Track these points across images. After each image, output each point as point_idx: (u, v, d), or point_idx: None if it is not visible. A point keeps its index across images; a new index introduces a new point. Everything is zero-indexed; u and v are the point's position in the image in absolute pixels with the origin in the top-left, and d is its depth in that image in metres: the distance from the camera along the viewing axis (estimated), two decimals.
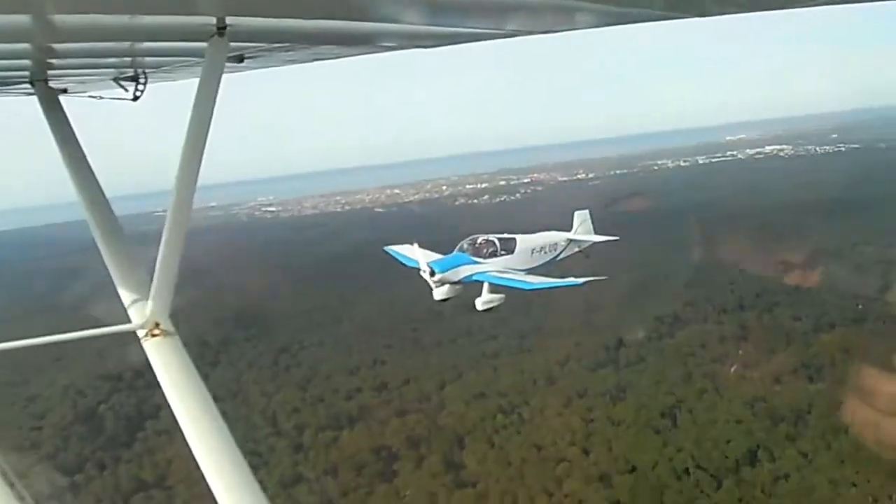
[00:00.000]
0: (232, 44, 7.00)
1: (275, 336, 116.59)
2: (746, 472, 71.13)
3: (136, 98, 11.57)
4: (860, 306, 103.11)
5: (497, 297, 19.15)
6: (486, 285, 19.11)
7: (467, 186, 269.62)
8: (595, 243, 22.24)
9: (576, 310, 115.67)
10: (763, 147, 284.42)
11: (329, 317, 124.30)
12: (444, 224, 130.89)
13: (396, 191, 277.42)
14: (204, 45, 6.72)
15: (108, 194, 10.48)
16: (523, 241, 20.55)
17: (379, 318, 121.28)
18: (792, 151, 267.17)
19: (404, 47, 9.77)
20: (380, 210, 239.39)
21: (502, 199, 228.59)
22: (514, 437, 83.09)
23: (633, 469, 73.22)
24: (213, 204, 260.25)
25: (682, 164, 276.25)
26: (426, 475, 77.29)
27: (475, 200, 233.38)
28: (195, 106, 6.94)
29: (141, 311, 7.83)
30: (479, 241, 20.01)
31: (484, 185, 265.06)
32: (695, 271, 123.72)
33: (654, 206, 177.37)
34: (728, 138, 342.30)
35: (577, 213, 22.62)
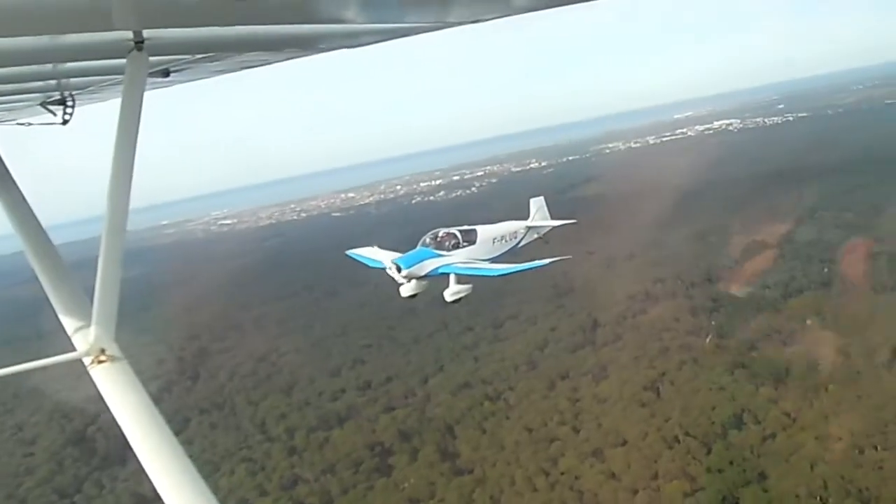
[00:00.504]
0: (153, 58, 6.99)
1: (251, 346, 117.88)
2: (734, 435, 73.93)
3: (65, 122, 11.23)
4: (826, 269, 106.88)
5: (465, 288, 19.55)
6: (452, 277, 19.55)
7: (422, 184, 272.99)
8: (554, 228, 23.08)
9: (547, 296, 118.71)
10: (712, 123, 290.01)
11: (301, 323, 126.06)
12: (402, 223, 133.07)
13: (351, 194, 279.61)
14: (124, 61, 6.60)
15: (46, 222, 9.91)
16: (484, 231, 21.18)
17: (352, 320, 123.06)
18: (741, 125, 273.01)
19: (335, 48, 9.60)
20: (337, 215, 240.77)
21: (458, 193, 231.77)
22: (503, 422, 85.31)
23: (625, 442, 75.66)
24: (164, 222, 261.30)
25: (633, 145, 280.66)
26: (422, 466, 79.16)
27: (431, 197, 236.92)
28: (119, 124, 6.73)
29: (85, 338, 7.42)
30: (440, 234, 20.51)
31: (438, 182, 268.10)
32: (659, 249, 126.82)
33: (609, 190, 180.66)
34: (676, 116, 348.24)
35: (532, 200, 23.49)
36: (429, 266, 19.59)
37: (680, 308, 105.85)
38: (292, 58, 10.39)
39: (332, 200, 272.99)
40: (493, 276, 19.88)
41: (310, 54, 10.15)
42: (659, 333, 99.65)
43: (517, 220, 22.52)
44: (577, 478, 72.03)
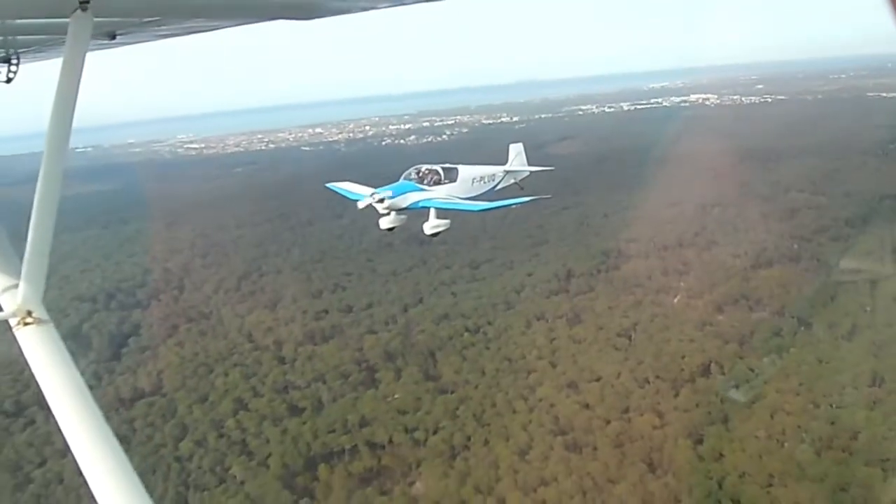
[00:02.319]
0: (99, 19, 6.98)
1: (231, 264, 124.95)
2: (701, 382, 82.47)
3: (9, 80, 11.66)
4: (796, 246, 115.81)
5: (444, 223, 20.33)
6: (432, 211, 20.31)
7: (391, 127, 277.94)
8: (529, 180, 24.39)
9: (523, 245, 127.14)
10: (688, 95, 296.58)
11: (281, 248, 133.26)
12: (374, 163, 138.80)
13: (319, 130, 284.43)
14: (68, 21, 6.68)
15: None
16: (465, 170, 22.12)
17: (329, 249, 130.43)
18: (718, 101, 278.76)
19: (283, 17, 9.84)
20: (307, 149, 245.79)
21: (429, 139, 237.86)
22: (483, 352, 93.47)
23: (599, 378, 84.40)
24: (131, 140, 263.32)
25: (606, 109, 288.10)
26: (408, 383, 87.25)
27: (402, 141, 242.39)
28: (59, 84, 6.82)
29: (12, 298, 7.43)
30: (422, 169, 21.28)
31: (408, 126, 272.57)
32: (633, 210, 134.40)
33: (584, 149, 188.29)
34: (651, 86, 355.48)
35: (511, 146, 24.73)
36: (411, 199, 20.62)
37: (651, 268, 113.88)
38: (241, 24, 10.91)
39: (301, 134, 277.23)
40: (474, 212, 20.86)
41: (251, 23, 10.64)
42: (631, 289, 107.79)
43: (496, 165, 23.76)
44: (552, 405, 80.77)
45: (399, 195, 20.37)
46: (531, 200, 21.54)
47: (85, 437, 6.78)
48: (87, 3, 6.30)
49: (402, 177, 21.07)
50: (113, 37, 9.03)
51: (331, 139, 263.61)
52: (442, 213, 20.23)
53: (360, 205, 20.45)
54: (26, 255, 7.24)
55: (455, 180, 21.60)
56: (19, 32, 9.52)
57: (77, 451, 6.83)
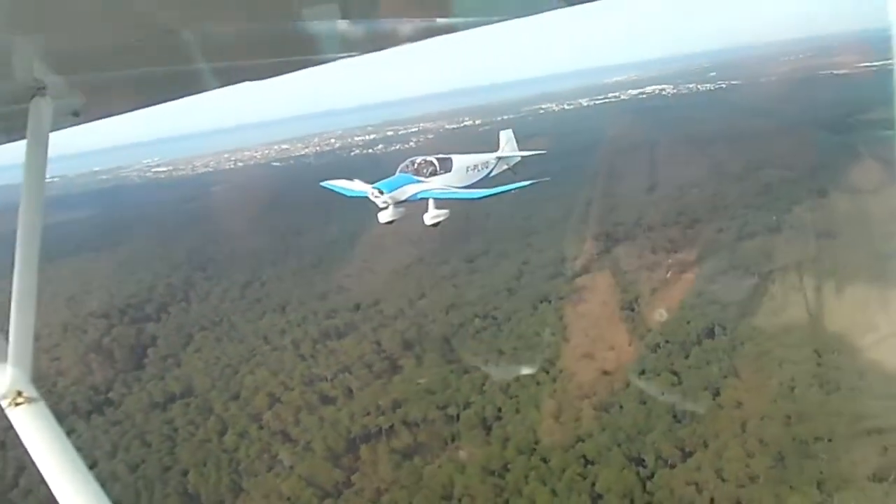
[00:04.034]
0: (60, 102, 7.16)
1: (232, 275, 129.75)
2: (708, 343, 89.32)
3: None
4: (775, 218, 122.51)
5: (443, 213, 21.26)
6: (431, 202, 21.19)
7: (356, 138, 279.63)
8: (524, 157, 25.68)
9: (514, 236, 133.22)
10: (644, 87, 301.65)
11: (276, 257, 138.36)
12: (348, 172, 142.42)
13: (285, 146, 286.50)
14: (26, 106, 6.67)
15: None
16: (458, 160, 23.17)
17: (325, 254, 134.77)
18: (674, 90, 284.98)
19: (250, 79, 9.22)
20: (277, 164, 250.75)
21: (397, 147, 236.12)
22: (497, 333, 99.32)
23: (613, 347, 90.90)
24: (96, 168, 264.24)
25: (566, 107, 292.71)
26: (431, 367, 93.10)
27: (370, 150, 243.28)
28: (26, 168, 6.74)
29: (1, 380, 6.87)
30: (417, 161, 22.33)
31: (373, 136, 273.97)
32: (614, 198, 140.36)
33: (554, 144, 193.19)
34: (607, 81, 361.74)
35: (502, 133, 25.87)
36: (409, 191, 21.44)
37: (641, 247, 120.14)
38: (208, 90, 10.35)
39: (267, 151, 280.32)
40: (474, 199, 22.05)
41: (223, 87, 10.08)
42: (625, 268, 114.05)
43: (488, 152, 24.82)
44: (574, 374, 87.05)
45: (397, 188, 21.43)
46: (531, 184, 22.62)
47: None
48: (44, 89, 6.54)
49: (399, 169, 22.29)
50: (77, 114, 8.83)
51: (298, 154, 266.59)
52: (440, 203, 21.30)
53: (365, 193, 21.67)
54: (11, 337, 6.94)
55: (450, 170, 22.74)
56: None
57: None
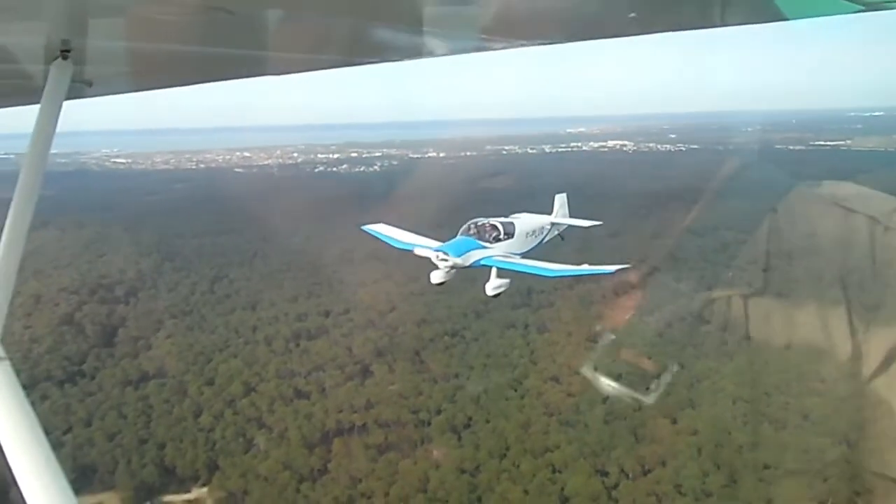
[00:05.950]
0: (79, 67, 7.25)
1: (200, 269, 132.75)
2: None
3: None
4: (731, 274, 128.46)
5: (504, 282, 20.32)
6: (494, 270, 20.10)
7: (319, 155, 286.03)
8: (573, 227, 24.30)
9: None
10: (606, 141, 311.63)
11: (244, 258, 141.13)
12: (311, 188, 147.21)
13: (247, 154, 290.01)
14: (46, 67, 6.89)
15: None
16: (520, 224, 21.66)
17: (292, 262, 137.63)
18: (635, 147, 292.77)
19: (259, 74, 10.39)
20: (240, 170, 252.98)
21: (361, 169, 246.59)
22: (466, 350, 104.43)
23: (578, 373, 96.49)
24: (54, 151, 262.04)
25: (529, 150, 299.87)
26: (404, 374, 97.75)
27: (335, 169, 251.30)
28: (35, 130, 6.97)
29: None
30: (480, 223, 20.86)
31: (337, 156, 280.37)
32: (576, 241, 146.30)
33: (518, 185, 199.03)
34: (569, 130, 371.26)
35: (557, 197, 24.27)
36: (474, 256, 20.36)
37: (602, 287, 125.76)
38: (220, 80, 11.39)
39: (228, 157, 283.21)
40: (548, 277, 21.05)
41: (236, 78, 10.99)
42: (587, 304, 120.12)
43: (542, 214, 23.35)
44: (541, 393, 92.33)
45: (464, 253, 20.29)
46: (617, 271, 22.21)
47: (36, 472, 6.14)
48: (69, 51, 6.63)
49: (460, 231, 20.84)
50: (90, 84, 9.16)
51: (261, 163, 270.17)
52: (503, 271, 20.22)
53: (423, 254, 20.84)
54: None
55: (513, 235, 21.35)
56: None
57: (25, 486, 6.13)
